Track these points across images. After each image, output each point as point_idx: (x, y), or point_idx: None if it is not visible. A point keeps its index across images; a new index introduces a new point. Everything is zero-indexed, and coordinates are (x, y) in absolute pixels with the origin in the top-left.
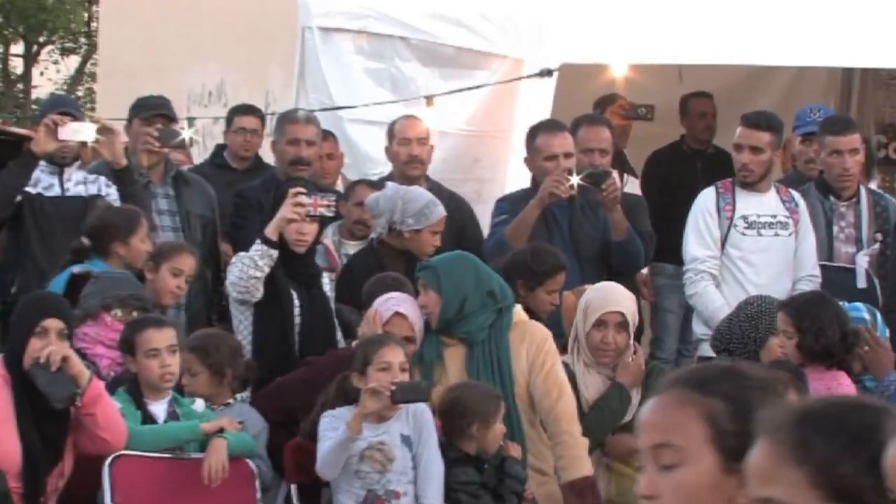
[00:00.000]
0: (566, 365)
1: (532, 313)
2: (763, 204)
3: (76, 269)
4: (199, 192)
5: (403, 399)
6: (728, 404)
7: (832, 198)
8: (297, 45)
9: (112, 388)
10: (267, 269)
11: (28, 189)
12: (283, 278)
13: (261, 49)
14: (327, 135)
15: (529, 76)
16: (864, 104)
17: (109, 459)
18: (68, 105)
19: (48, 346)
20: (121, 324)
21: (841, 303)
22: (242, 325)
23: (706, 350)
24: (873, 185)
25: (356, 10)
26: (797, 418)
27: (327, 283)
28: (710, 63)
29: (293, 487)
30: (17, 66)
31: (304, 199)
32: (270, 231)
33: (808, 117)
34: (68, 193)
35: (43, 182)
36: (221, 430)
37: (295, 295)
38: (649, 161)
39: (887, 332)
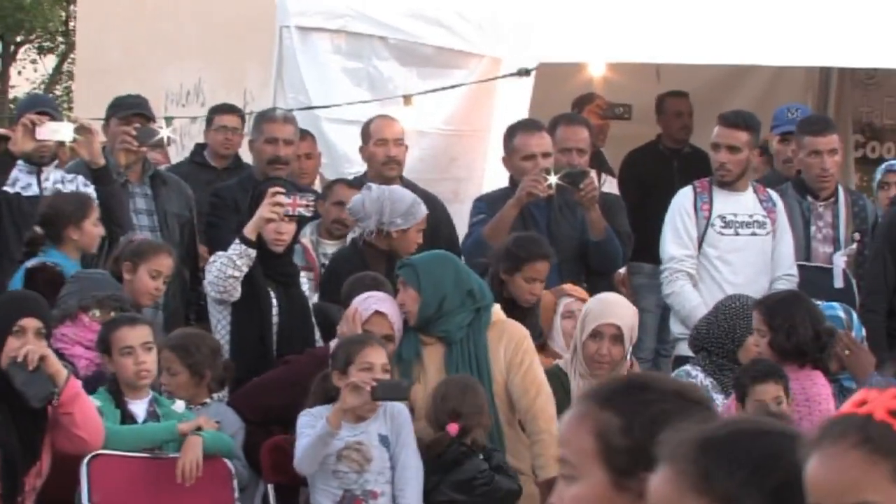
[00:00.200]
0: (562, 370)
1: (516, 305)
2: (740, 203)
3: (31, 263)
4: (177, 191)
5: (384, 396)
6: (622, 419)
7: (810, 198)
8: (275, 44)
9: (88, 386)
10: (245, 269)
11: (6, 188)
12: (261, 278)
13: (238, 48)
14: (305, 134)
15: (507, 76)
16: (841, 104)
17: (87, 459)
18: (46, 104)
19: (26, 345)
20: (99, 324)
21: (817, 302)
22: (220, 325)
23: (684, 349)
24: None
25: (334, 10)
26: (699, 447)
27: (305, 282)
28: (687, 62)
29: (270, 487)
30: None
31: (282, 198)
32: (249, 231)
33: (785, 117)
34: (46, 193)
35: (21, 181)
36: (199, 430)
37: (273, 294)
38: (626, 161)
39: (863, 332)
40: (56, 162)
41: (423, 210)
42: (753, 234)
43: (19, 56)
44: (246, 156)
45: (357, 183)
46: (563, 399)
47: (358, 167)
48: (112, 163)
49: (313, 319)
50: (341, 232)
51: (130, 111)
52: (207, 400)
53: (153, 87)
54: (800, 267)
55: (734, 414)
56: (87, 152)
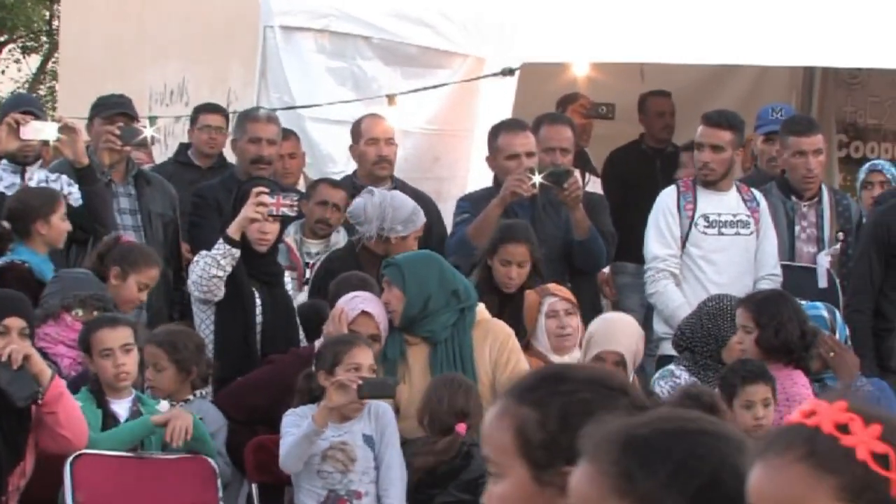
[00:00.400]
0: None
1: (500, 292)
2: (724, 203)
3: None
4: (161, 191)
5: (370, 394)
6: (539, 413)
7: (794, 197)
8: (259, 43)
9: (73, 387)
10: (229, 269)
11: None
12: (245, 277)
13: (222, 48)
14: (289, 134)
15: (491, 75)
16: (825, 103)
17: (71, 458)
18: (30, 104)
19: (10, 344)
20: (81, 323)
21: (801, 302)
22: (204, 324)
23: (667, 349)
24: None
25: (318, 9)
26: (622, 446)
27: (289, 282)
28: (671, 62)
29: (254, 487)
30: None
31: (266, 198)
32: (233, 230)
33: (769, 116)
34: None
35: (5, 181)
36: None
37: (257, 294)
38: (608, 160)
39: (847, 332)
40: (40, 161)
41: (422, 218)
42: (737, 233)
43: (3, 56)
44: (231, 155)
45: (343, 183)
46: None
47: (342, 167)
48: (96, 162)
49: (297, 319)
50: (325, 231)
51: (114, 111)
52: (190, 397)
53: (137, 86)
54: (784, 267)
55: (659, 409)
56: (71, 152)
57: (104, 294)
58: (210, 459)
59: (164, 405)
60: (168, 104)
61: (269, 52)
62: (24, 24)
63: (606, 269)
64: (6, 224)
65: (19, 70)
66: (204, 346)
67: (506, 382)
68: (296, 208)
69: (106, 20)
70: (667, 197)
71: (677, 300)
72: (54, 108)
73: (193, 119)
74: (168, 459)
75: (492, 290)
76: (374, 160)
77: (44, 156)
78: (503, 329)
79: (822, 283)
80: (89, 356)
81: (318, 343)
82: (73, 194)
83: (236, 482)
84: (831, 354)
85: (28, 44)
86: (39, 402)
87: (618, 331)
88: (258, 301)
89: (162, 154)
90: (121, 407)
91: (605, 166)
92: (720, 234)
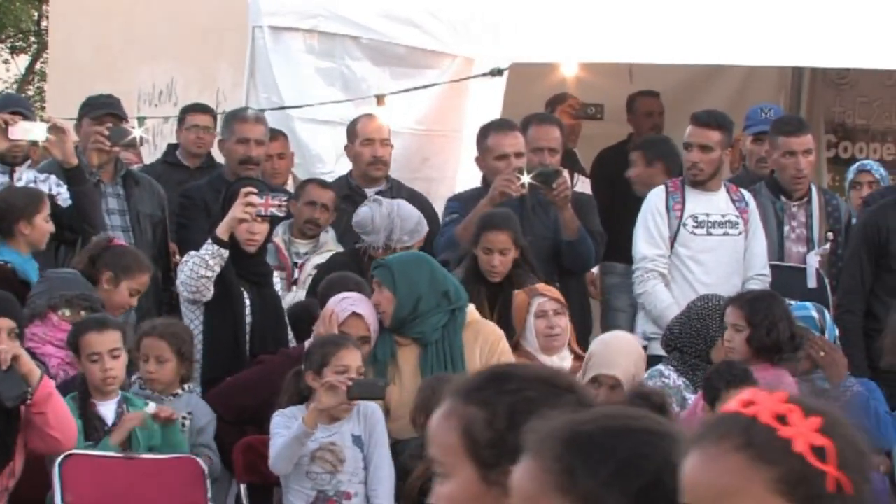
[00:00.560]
0: None
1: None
2: (713, 203)
3: None
4: (149, 191)
5: (360, 396)
6: (485, 411)
7: (783, 197)
8: (248, 43)
9: (64, 390)
10: (218, 269)
11: None
12: (233, 278)
13: (211, 48)
14: (278, 134)
15: (480, 75)
16: (813, 103)
17: (60, 459)
18: (19, 104)
19: None
20: (68, 323)
21: (790, 302)
22: (193, 325)
23: (656, 349)
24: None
25: (307, 9)
26: (565, 442)
27: (278, 282)
28: (660, 62)
29: (243, 487)
30: None
31: (255, 198)
32: (221, 231)
33: (759, 116)
34: None
35: None
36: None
37: (246, 294)
38: (597, 160)
39: (836, 332)
40: (29, 162)
41: (426, 227)
42: (726, 233)
43: None
44: (219, 156)
45: (332, 183)
46: None
47: (331, 167)
48: (84, 163)
49: (286, 319)
50: (313, 232)
51: (103, 111)
52: (179, 391)
53: (126, 86)
54: (773, 267)
55: (604, 405)
56: (59, 152)
57: (91, 294)
58: (199, 459)
59: (151, 407)
60: (157, 105)
61: (258, 53)
62: (13, 25)
63: (595, 270)
64: None
65: (8, 70)
66: (193, 338)
67: None
68: (285, 208)
69: (95, 20)
70: (655, 197)
71: (666, 300)
72: (43, 109)
73: (181, 119)
74: (157, 460)
75: (479, 281)
76: (368, 160)
77: (32, 156)
78: (494, 331)
79: (812, 283)
80: (78, 357)
81: (307, 343)
82: (62, 195)
83: (225, 482)
84: (821, 354)
85: (17, 44)
86: (28, 402)
87: (617, 354)
88: (247, 301)
89: (151, 154)
90: (107, 409)
91: (593, 166)
92: (709, 234)
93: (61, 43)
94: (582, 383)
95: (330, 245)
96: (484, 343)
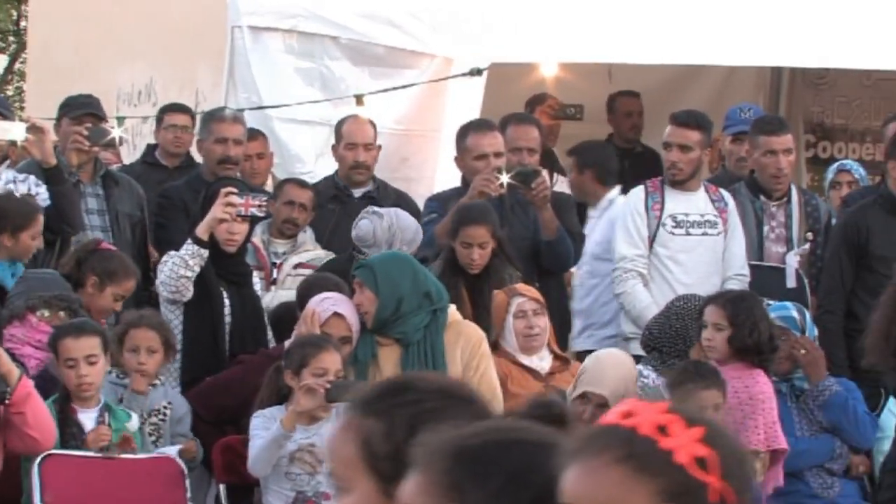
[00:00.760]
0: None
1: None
2: (692, 203)
3: None
4: (129, 191)
5: (338, 398)
6: (385, 424)
7: (762, 197)
8: (227, 43)
9: (37, 384)
10: (197, 269)
11: None
12: (213, 278)
13: (190, 48)
14: (257, 134)
15: (459, 75)
16: (792, 103)
17: (39, 459)
18: None
19: None
20: (47, 324)
21: (770, 302)
22: (173, 325)
23: (635, 348)
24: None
25: (286, 9)
26: (452, 456)
27: (258, 282)
28: (639, 62)
29: (222, 488)
30: None
31: (235, 199)
32: (201, 231)
33: (738, 116)
34: None
35: None
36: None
37: (225, 294)
38: None
39: (816, 332)
40: (7, 161)
41: (421, 235)
42: (705, 233)
43: None
44: (199, 156)
45: (323, 185)
46: None
47: (310, 167)
48: (64, 163)
49: (266, 319)
50: (292, 231)
51: (82, 111)
52: (157, 382)
53: (105, 86)
54: (753, 266)
55: (494, 419)
56: (38, 152)
57: (69, 294)
58: (178, 459)
59: (134, 421)
60: (136, 105)
61: (237, 53)
62: None
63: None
64: None
65: None
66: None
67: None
68: (265, 208)
69: (74, 20)
70: (634, 197)
71: (645, 300)
72: (22, 108)
73: (159, 119)
74: (135, 460)
75: (457, 273)
76: (350, 165)
77: (11, 156)
78: (475, 332)
79: (791, 282)
80: (57, 361)
81: (287, 343)
82: (41, 195)
83: (204, 483)
84: (803, 352)
85: None
86: (7, 402)
87: (607, 372)
88: (227, 301)
89: (130, 154)
90: (87, 417)
91: None
92: (688, 234)
93: (40, 43)
94: (480, 395)
95: (308, 245)
96: (465, 344)
